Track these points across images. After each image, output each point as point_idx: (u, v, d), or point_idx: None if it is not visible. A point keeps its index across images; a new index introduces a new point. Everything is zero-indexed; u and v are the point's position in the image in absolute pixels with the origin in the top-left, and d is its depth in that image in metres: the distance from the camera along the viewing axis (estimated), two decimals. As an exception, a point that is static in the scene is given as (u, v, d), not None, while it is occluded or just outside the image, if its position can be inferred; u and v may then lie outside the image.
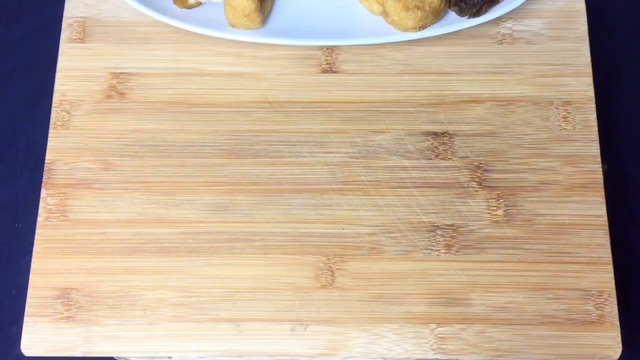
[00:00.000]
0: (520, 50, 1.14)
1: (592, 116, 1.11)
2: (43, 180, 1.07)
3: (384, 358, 0.99)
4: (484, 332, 1.00)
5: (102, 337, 0.99)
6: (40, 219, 1.05)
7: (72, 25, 1.16)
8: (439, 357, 0.99)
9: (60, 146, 1.09)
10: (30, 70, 1.54)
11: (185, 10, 1.13)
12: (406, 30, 1.10)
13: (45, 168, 1.08)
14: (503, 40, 1.15)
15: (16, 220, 1.46)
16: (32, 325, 1.00)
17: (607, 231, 1.05)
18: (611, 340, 0.99)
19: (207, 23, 1.13)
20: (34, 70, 1.53)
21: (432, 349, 0.99)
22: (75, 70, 1.12)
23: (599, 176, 1.08)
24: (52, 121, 1.10)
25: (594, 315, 1.00)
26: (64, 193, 1.06)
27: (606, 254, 1.03)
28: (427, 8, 1.07)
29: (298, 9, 1.16)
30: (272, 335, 0.99)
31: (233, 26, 1.12)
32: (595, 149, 1.09)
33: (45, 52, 1.49)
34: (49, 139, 1.09)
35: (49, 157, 1.08)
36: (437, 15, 1.10)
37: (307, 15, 1.15)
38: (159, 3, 1.14)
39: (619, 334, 0.99)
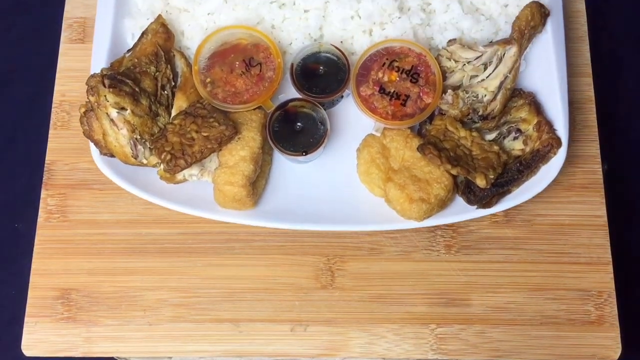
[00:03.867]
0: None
1: (592, 116, 1.11)
2: (43, 180, 1.07)
3: (383, 358, 0.99)
4: (484, 333, 1.00)
5: (102, 337, 0.99)
6: (40, 219, 1.05)
7: (72, 25, 1.16)
8: (439, 358, 0.99)
9: (60, 146, 1.09)
10: (30, 70, 1.54)
11: (172, 185, 1.01)
12: (409, 219, 0.99)
13: (45, 168, 1.08)
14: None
15: (16, 220, 1.46)
16: (33, 325, 1.00)
17: (607, 231, 1.05)
18: (611, 341, 0.99)
19: (194, 202, 1.00)
20: (34, 70, 1.53)
21: (432, 349, 0.99)
22: (75, 70, 1.12)
23: (599, 176, 1.08)
24: (52, 121, 1.10)
25: (594, 316, 1.00)
26: (64, 193, 1.06)
27: (606, 254, 1.03)
28: (433, 200, 0.97)
29: (293, 188, 1.04)
30: (272, 335, 0.99)
31: (223, 207, 1.01)
32: (595, 149, 1.09)
33: (45, 52, 1.49)
34: (49, 139, 1.09)
35: (49, 157, 1.08)
36: (443, 206, 1.00)
37: (302, 194, 1.03)
38: (144, 176, 1.01)
39: (619, 334, 1.00)
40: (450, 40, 1.04)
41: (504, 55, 1.02)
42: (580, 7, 1.18)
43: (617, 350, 0.99)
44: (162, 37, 1.03)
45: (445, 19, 1.07)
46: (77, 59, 1.13)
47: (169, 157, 0.94)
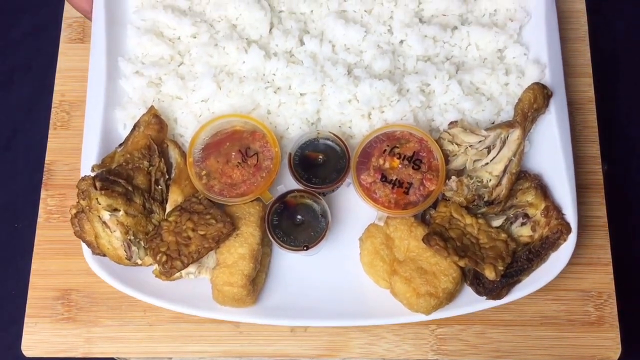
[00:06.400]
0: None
1: (592, 116, 1.11)
2: (43, 181, 1.07)
3: (383, 359, 0.99)
4: (484, 333, 1.00)
5: (102, 337, 0.99)
6: (40, 220, 1.05)
7: (71, 25, 1.16)
8: (439, 358, 0.99)
9: (60, 147, 1.09)
10: (30, 70, 1.54)
11: (168, 283, 0.96)
12: (417, 312, 0.95)
13: (45, 169, 1.08)
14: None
15: (16, 221, 1.46)
16: (33, 326, 1.00)
17: (607, 232, 1.05)
18: (610, 341, 0.99)
19: (192, 300, 0.96)
20: (34, 70, 1.53)
21: (432, 350, 0.99)
22: (75, 70, 1.12)
23: (599, 176, 1.08)
24: (52, 121, 1.10)
25: (594, 316, 1.00)
26: (64, 194, 1.06)
27: (606, 254, 1.03)
28: (441, 294, 0.93)
29: (294, 280, 0.99)
30: (272, 335, 0.99)
31: (223, 306, 0.96)
32: (595, 149, 1.09)
33: (45, 52, 1.49)
34: (48, 139, 1.09)
35: (48, 157, 1.08)
36: (451, 298, 0.96)
37: (304, 287, 0.99)
38: (139, 272, 0.96)
39: (619, 335, 1.00)
40: (451, 123, 1.00)
41: (507, 138, 0.98)
42: (580, 7, 1.18)
43: (617, 351, 0.99)
44: (155, 129, 0.99)
45: (445, 100, 1.04)
46: (76, 59, 1.13)
47: (164, 258, 0.90)
